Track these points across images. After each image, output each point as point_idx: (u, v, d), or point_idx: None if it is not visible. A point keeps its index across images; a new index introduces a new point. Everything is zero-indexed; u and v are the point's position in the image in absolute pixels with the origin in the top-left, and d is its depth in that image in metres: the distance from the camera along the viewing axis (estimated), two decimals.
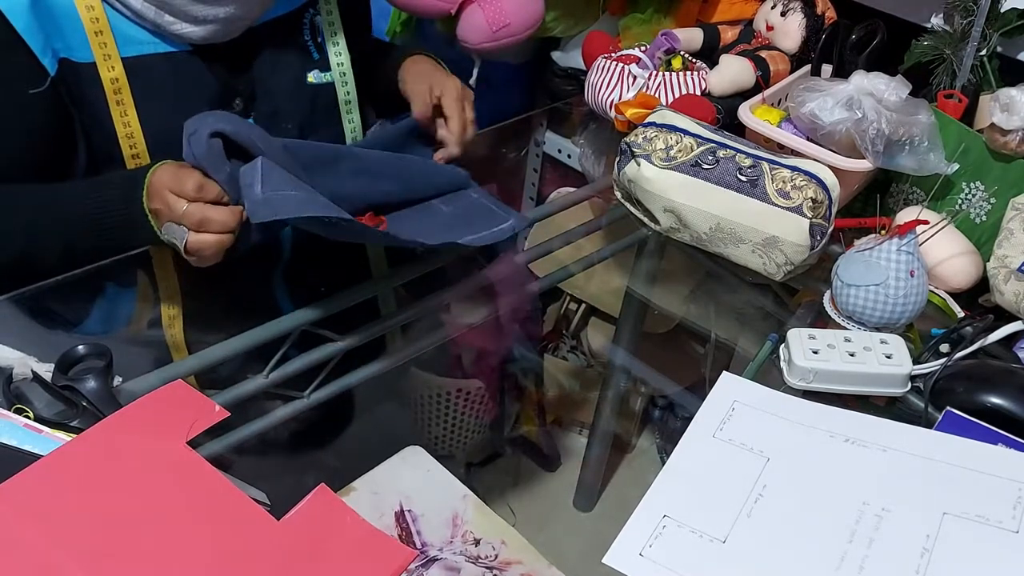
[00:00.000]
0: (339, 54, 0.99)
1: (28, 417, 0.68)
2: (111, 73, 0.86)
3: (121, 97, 0.87)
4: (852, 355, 0.83)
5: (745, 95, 1.15)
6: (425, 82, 0.99)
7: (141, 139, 0.89)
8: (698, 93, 1.17)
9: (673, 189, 0.99)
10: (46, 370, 0.74)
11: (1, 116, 0.83)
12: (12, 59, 0.82)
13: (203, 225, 0.78)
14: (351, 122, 1.02)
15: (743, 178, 0.96)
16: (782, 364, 0.86)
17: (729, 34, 1.28)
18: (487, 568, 0.67)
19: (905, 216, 0.95)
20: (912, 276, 0.86)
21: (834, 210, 0.97)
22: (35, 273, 0.87)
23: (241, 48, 0.92)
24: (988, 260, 0.93)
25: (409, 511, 0.71)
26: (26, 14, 0.81)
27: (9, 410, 0.69)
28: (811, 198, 0.94)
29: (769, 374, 0.86)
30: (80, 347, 0.74)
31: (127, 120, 0.88)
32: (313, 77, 0.98)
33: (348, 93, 1.01)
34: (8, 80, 0.83)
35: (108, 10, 0.85)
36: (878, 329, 0.89)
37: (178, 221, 0.79)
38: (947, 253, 0.96)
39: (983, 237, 1.00)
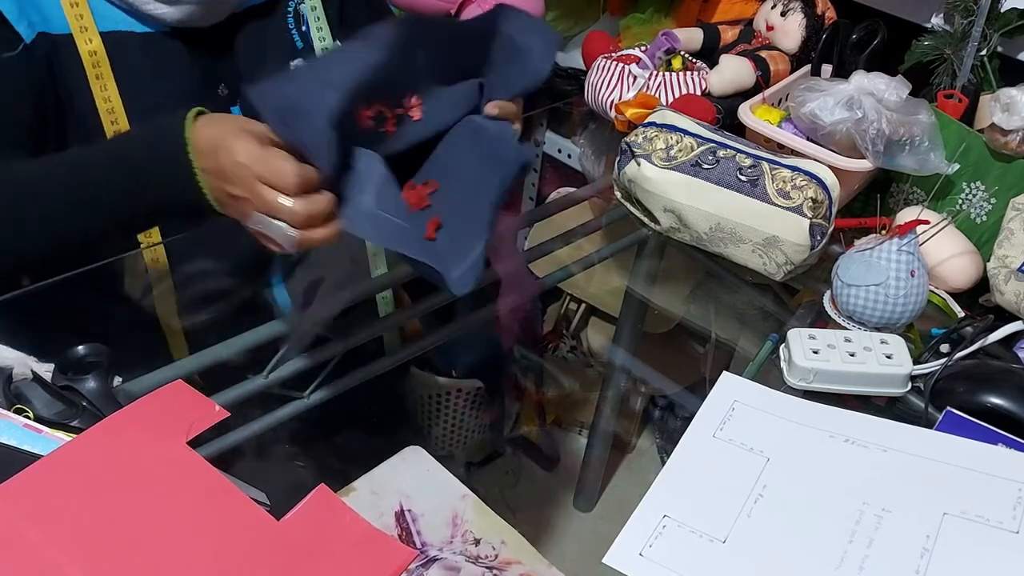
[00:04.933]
0: (323, 39, 0.98)
1: (28, 417, 0.68)
2: (89, 46, 0.83)
3: (100, 71, 0.84)
4: (852, 355, 0.83)
5: (745, 95, 1.15)
6: None
7: (123, 114, 0.86)
8: (698, 93, 1.17)
9: (673, 189, 0.99)
10: (46, 370, 0.74)
11: None
12: None
13: (312, 222, 0.69)
14: None
15: (743, 178, 0.96)
16: (782, 364, 0.86)
17: (729, 34, 1.28)
18: (487, 568, 0.67)
19: (905, 216, 0.96)
20: (912, 276, 0.86)
21: (834, 210, 0.97)
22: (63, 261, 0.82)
23: (224, 34, 0.91)
24: (988, 260, 0.93)
25: (409, 511, 0.71)
26: None
27: (9, 410, 0.68)
28: (811, 198, 0.94)
29: (769, 374, 0.86)
30: (80, 347, 0.74)
31: (107, 95, 0.85)
32: (297, 65, 0.97)
33: None
34: None
35: None
36: (878, 329, 0.89)
37: (275, 216, 0.69)
38: (947, 253, 0.96)
39: (983, 237, 1.00)
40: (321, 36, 0.98)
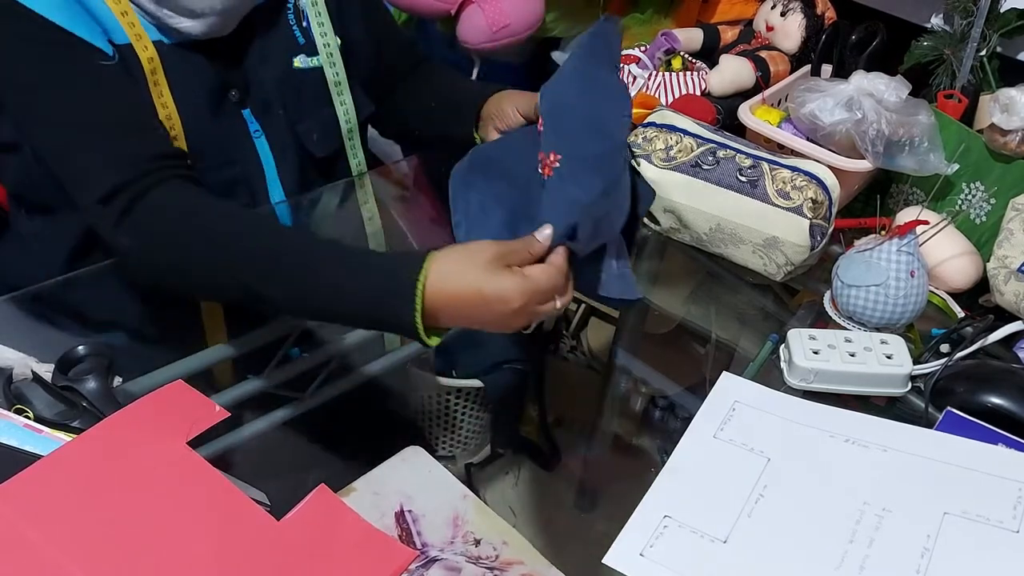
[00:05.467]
0: (325, 35, 0.99)
1: (28, 417, 0.68)
2: (146, 52, 0.86)
3: (157, 78, 0.87)
4: (852, 355, 0.83)
5: (745, 95, 1.15)
6: None
7: (178, 122, 0.88)
8: (698, 93, 1.17)
9: (673, 189, 0.99)
10: (46, 370, 0.74)
11: (99, 84, 0.83)
12: (72, 47, 0.83)
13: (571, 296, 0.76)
14: (343, 104, 1.02)
15: (743, 178, 0.96)
16: (782, 364, 0.86)
17: (729, 34, 1.28)
18: (488, 568, 0.67)
19: (905, 216, 0.96)
20: (912, 276, 0.86)
21: (834, 210, 0.97)
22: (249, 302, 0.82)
23: (231, 38, 0.92)
24: (988, 260, 0.93)
25: (409, 511, 0.71)
26: (63, 10, 0.82)
27: (9, 410, 0.68)
28: (811, 198, 0.94)
29: (769, 374, 0.86)
30: (80, 347, 0.74)
31: (164, 101, 0.87)
32: (300, 62, 0.97)
33: (337, 75, 1.00)
34: (78, 62, 0.83)
35: None
36: (878, 329, 0.89)
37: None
38: (947, 253, 0.96)
39: (983, 237, 1.00)
40: (323, 32, 0.99)
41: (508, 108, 0.97)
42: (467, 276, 0.70)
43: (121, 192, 0.80)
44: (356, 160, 1.06)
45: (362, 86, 1.06)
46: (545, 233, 0.72)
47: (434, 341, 0.72)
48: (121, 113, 0.84)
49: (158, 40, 0.87)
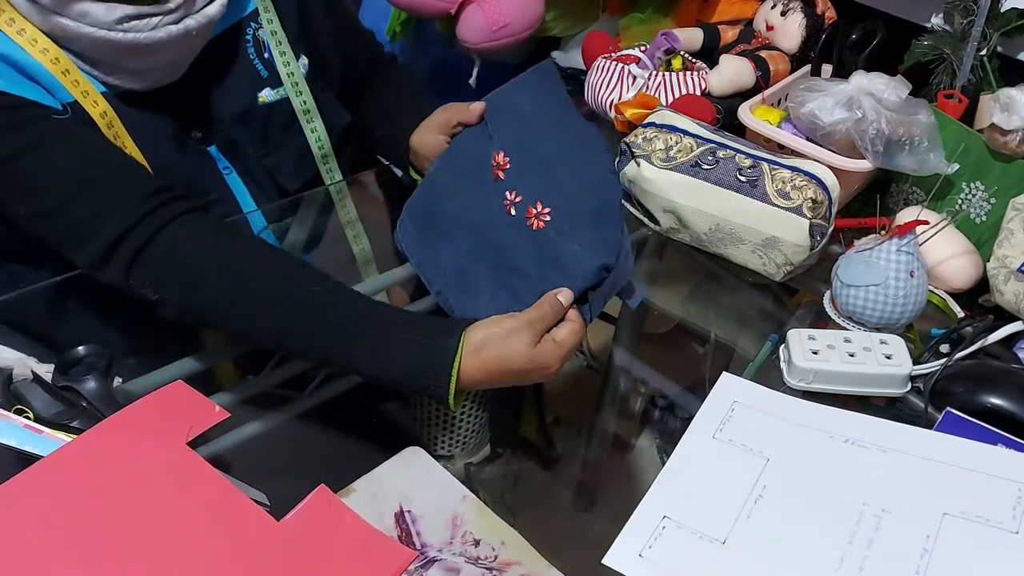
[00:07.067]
0: (288, 64, 0.96)
1: (28, 418, 0.68)
2: (97, 108, 0.82)
3: (116, 131, 0.84)
4: (852, 355, 0.83)
5: (745, 95, 1.15)
6: None
7: (146, 166, 0.86)
8: (698, 93, 1.17)
9: (673, 189, 0.99)
10: (46, 371, 0.74)
11: (68, 137, 0.80)
12: (25, 108, 0.79)
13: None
14: (314, 131, 1.00)
15: (743, 178, 0.96)
16: (782, 364, 0.86)
17: (729, 34, 1.28)
18: (487, 569, 0.67)
19: (905, 216, 0.96)
20: (912, 276, 0.86)
21: (834, 210, 0.97)
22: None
23: (188, 78, 0.89)
24: (988, 260, 0.93)
25: (409, 512, 0.71)
26: (6, 77, 0.78)
27: (9, 411, 0.69)
28: (811, 198, 0.94)
29: (769, 374, 0.86)
30: (80, 348, 0.74)
31: (128, 150, 0.85)
32: (265, 96, 0.95)
33: (305, 103, 0.98)
34: (37, 121, 0.79)
35: (66, 52, 0.81)
36: (878, 329, 0.89)
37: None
38: (947, 253, 0.96)
39: (983, 237, 1.00)
40: (285, 61, 0.96)
41: (430, 139, 0.97)
42: (514, 359, 0.73)
43: (124, 240, 0.77)
44: (333, 182, 1.06)
45: (336, 95, 1.05)
46: (565, 295, 0.76)
47: (459, 403, 0.76)
48: (99, 160, 0.80)
49: (106, 92, 0.84)
